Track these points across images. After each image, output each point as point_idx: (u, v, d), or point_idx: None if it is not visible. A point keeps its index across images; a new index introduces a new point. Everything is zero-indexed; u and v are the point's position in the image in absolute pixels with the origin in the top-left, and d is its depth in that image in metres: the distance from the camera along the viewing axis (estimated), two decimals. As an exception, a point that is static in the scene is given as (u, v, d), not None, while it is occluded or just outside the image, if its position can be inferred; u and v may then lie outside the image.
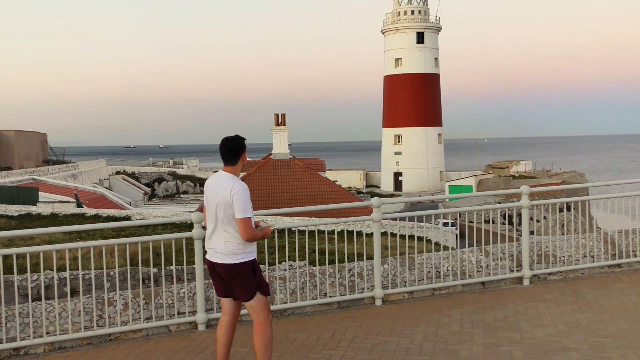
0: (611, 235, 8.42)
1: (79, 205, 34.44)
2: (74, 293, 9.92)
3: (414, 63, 77.15)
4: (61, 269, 10.87)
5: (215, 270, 4.83)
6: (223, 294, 4.88)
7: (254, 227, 4.70)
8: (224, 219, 4.67)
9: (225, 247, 4.71)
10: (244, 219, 4.60)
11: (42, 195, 36.31)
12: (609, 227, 9.22)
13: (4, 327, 5.68)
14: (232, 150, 4.71)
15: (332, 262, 10.59)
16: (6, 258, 6.00)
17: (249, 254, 4.73)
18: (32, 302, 5.90)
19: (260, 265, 9.97)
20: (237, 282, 4.73)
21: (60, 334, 5.81)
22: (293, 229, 7.18)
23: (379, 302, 6.98)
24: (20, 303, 5.90)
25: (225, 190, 4.63)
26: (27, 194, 34.95)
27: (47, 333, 5.81)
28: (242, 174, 39.12)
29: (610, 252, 8.22)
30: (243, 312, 6.10)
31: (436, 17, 79.72)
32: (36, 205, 31.54)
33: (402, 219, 25.25)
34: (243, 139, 4.80)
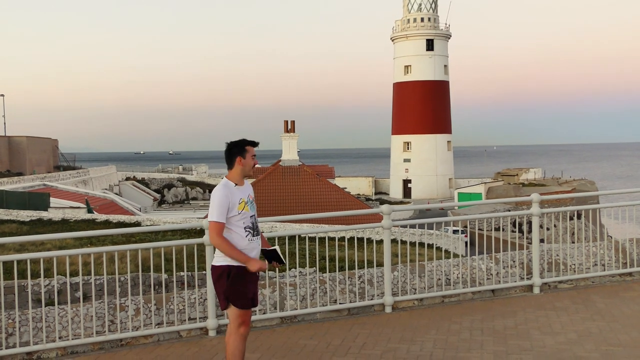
0: (622, 243, 8.38)
1: (89, 211, 34.65)
2: (86, 298, 9.99)
3: (424, 70, 77.20)
4: (72, 274, 10.95)
5: None
6: None
7: (246, 230, 4.60)
8: None
9: (215, 249, 4.76)
10: (211, 223, 4.55)
11: (53, 201, 36.58)
12: (620, 235, 9.19)
13: (17, 332, 5.74)
14: (226, 157, 4.72)
15: (341, 268, 10.61)
16: (19, 263, 6.06)
17: (228, 258, 4.61)
18: (45, 306, 5.95)
19: (270, 272, 9.95)
20: (215, 287, 4.72)
21: (72, 339, 5.86)
22: (302, 236, 7.20)
23: (388, 309, 6.98)
24: (33, 308, 5.95)
25: None
26: (38, 200, 35.21)
27: (60, 337, 5.86)
28: (251, 180, 39.19)
29: (621, 260, 8.18)
30: (253, 317, 6.13)
31: (445, 24, 79.86)
32: (47, 211, 31.75)
33: (412, 226, 25.21)
34: (234, 145, 4.67)
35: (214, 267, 4.72)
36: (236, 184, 4.67)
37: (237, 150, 4.67)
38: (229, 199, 4.57)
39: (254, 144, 4.71)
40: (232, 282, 4.59)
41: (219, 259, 4.66)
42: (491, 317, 6.67)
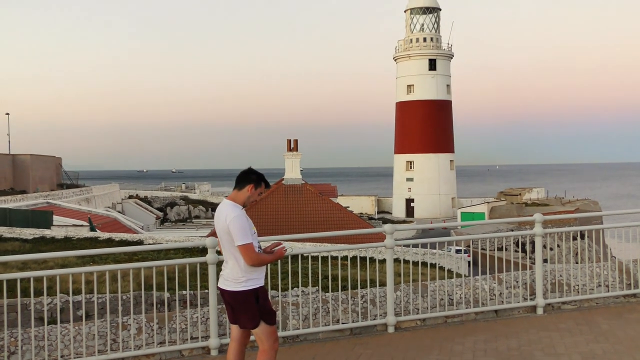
0: (626, 264, 8.35)
1: (92, 229, 34.67)
2: (88, 316, 9.97)
3: (426, 89, 77.57)
4: (75, 292, 10.93)
5: (224, 297, 4.90)
6: (232, 320, 4.92)
7: (257, 251, 4.71)
8: (225, 245, 4.75)
9: (229, 273, 4.78)
10: (244, 245, 4.63)
11: (56, 219, 36.59)
12: (624, 255, 9.15)
13: (19, 350, 5.73)
14: (240, 177, 4.83)
15: (344, 288, 10.57)
16: (22, 281, 6.07)
17: (253, 280, 4.73)
18: (47, 325, 5.94)
19: (272, 291, 9.98)
20: (241, 310, 4.76)
21: (74, 358, 5.85)
22: (305, 255, 7.20)
23: (391, 329, 6.96)
24: (35, 326, 5.95)
25: (222, 217, 4.73)
26: (41, 218, 35.24)
27: (62, 356, 5.85)
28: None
29: (625, 281, 8.15)
30: (253, 337, 6.10)
31: (448, 44, 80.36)
32: (50, 229, 31.76)
33: (415, 246, 25.12)
34: (254, 173, 4.84)
35: (237, 293, 4.73)
36: (242, 207, 4.81)
37: (255, 178, 4.82)
38: (248, 220, 4.72)
39: (268, 185, 4.93)
40: (262, 303, 4.75)
41: (239, 284, 4.72)
42: (494, 337, 6.64)
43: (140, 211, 65.22)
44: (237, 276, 4.73)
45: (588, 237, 8.59)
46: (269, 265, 5.08)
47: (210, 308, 6.31)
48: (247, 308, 4.73)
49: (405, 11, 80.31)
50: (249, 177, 4.80)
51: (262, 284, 4.80)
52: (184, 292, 10.08)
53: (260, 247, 4.85)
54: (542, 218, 7.71)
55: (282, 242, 5.55)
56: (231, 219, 4.65)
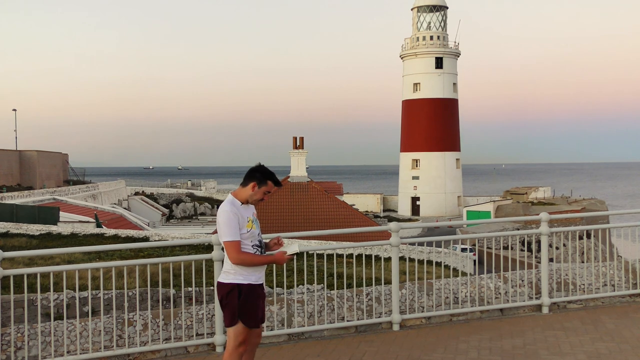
0: (632, 263, 8.33)
1: (98, 225, 34.79)
2: (94, 312, 10.02)
3: (432, 88, 77.40)
4: (81, 288, 10.97)
5: None
6: None
7: (252, 250, 4.59)
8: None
9: (224, 265, 4.73)
10: (227, 242, 4.52)
11: (63, 215, 36.72)
12: (630, 255, 9.12)
13: (25, 345, 5.77)
14: (246, 174, 4.74)
15: (349, 285, 10.58)
16: (28, 276, 6.10)
17: (242, 275, 4.59)
18: (54, 320, 5.98)
19: (278, 288, 9.96)
20: (223, 303, 4.66)
21: (80, 353, 5.88)
22: (310, 252, 7.21)
23: (396, 327, 6.96)
24: (41, 322, 5.98)
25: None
26: (47, 214, 35.36)
27: (68, 352, 5.88)
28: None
29: (631, 280, 8.13)
30: (263, 333, 6.12)
31: (455, 42, 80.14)
32: (56, 225, 31.87)
33: (420, 244, 25.14)
34: (259, 171, 4.67)
35: (221, 285, 4.67)
36: (242, 203, 4.66)
37: (259, 176, 4.65)
38: (237, 216, 4.56)
39: (277, 184, 4.73)
40: (244, 300, 4.57)
41: (228, 277, 4.64)
42: (499, 336, 6.64)
43: (146, 208, 65.44)
44: (225, 268, 4.66)
45: (594, 236, 8.56)
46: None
47: (215, 305, 6.32)
48: (226, 302, 4.61)
49: (412, 9, 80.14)
50: (253, 175, 4.66)
51: (252, 282, 4.60)
52: (190, 288, 10.11)
53: (260, 244, 4.68)
54: (548, 217, 7.69)
55: (286, 239, 5.48)
56: (218, 214, 4.59)
